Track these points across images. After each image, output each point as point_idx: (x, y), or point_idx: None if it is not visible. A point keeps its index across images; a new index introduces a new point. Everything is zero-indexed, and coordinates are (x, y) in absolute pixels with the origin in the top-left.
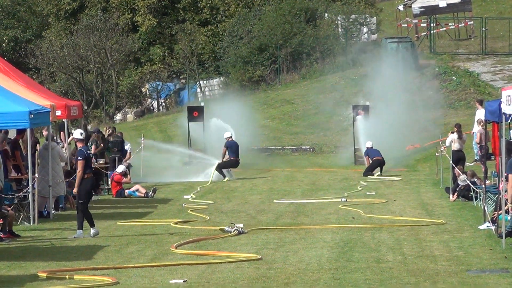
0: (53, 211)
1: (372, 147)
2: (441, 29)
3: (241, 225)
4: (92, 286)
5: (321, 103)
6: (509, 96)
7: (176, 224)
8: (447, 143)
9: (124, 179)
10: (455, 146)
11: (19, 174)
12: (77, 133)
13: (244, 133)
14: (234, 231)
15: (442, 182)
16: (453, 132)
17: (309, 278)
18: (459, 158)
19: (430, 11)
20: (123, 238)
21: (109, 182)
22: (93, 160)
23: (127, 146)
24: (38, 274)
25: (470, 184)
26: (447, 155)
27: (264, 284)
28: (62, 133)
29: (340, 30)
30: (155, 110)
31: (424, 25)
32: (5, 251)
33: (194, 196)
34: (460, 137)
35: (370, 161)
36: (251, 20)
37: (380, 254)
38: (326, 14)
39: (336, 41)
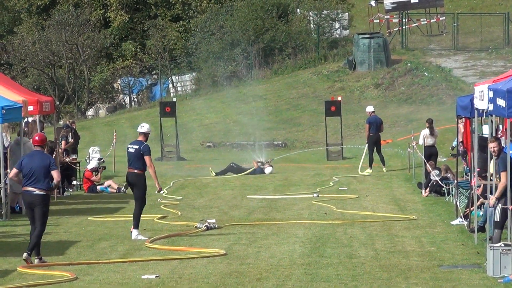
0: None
1: (373, 113)
2: (413, 25)
3: (213, 221)
4: (55, 282)
5: (293, 99)
6: (481, 91)
7: (159, 220)
8: (420, 141)
9: (93, 177)
10: (427, 141)
11: None
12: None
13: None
14: (204, 226)
15: (414, 178)
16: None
17: (281, 273)
18: (431, 153)
19: (402, 7)
20: (95, 233)
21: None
22: (65, 155)
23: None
24: (18, 269)
25: (439, 181)
26: (418, 151)
27: (236, 279)
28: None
29: (312, 25)
30: (127, 105)
31: (396, 20)
32: None
33: (166, 192)
34: (432, 133)
35: (370, 134)
36: (223, 15)
37: (352, 249)
38: (298, 10)
39: (308, 37)
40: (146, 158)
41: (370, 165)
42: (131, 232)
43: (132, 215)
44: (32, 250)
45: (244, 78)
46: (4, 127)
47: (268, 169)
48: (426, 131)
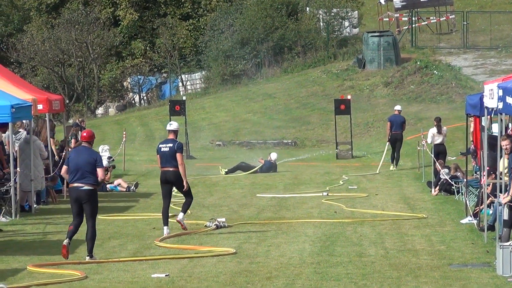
0: (35, 205)
1: (400, 112)
2: (423, 23)
3: (223, 219)
4: (65, 281)
5: (303, 97)
6: (491, 90)
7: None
8: (429, 139)
9: None
10: (435, 139)
11: (1, 168)
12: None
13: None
14: (213, 225)
15: (424, 176)
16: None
17: (291, 272)
18: (439, 151)
19: (411, 5)
20: (105, 232)
21: None
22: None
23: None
24: (28, 268)
25: (449, 180)
26: (427, 150)
27: (246, 278)
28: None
29: (321, 24)
30: (137, 104)
31: (406, 19)
32: None
33: (175, 190)
34: (439, 131)
35: (390, 132)
36: (233, 14)
37: (362, 248)
38: (307, 8)
39: (317, 35)
40: (178, 155)
41: (392, 162)
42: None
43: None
44: (94, 242)
45: (254, 76)
46: (19, 123)
47: (273, 155)
48: (433, 130)
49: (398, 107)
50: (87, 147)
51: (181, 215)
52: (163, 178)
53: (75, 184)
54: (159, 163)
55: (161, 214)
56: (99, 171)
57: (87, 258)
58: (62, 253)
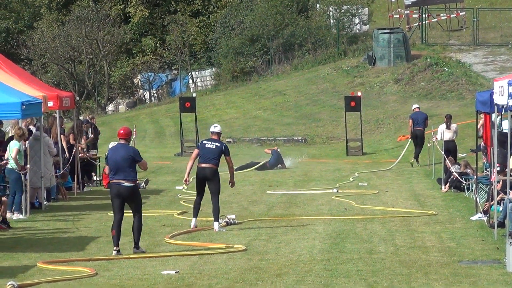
0: (45, 202)
1: (419, 109)
2: (433, 20)
3: (233, 216)
4: (75, 278)
5: (313, 94)
6: (501, 87)
7: (179, 215)
8: (438, 136)
9: None
10: (445, 136)
11: None
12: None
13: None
14: (223, 222)
15: (434, 173)
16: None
17: (301, 269)
18: (448, 148)
19: (421, 2)
20: None
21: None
22: (85, 150)
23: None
24: (38, 265)
25: (457, 176)
26: (437, 147)
27: (256, 275)
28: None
29: (331, 21)
30: (147, 101)
31: (416, 15)
32: None
33: (186, 187)
34: (448, 127)
35: (412, 128)
36: (243, 11)
37: (372, 245)
38: (317, 5)
39: (327, 32)
40: (228, 157)
41: (415, 158)
42: (213, 226)
43: (212, 211)
44: (140, 234)
45: (264, 73)
46: (29, 120)
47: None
48: (443, 126)
49: (416, 105)
50: (123, 144)
51: (216, 225)
52: (201, 175)
53: (115, 180)
54: (195, 158)
55: (171, 211)
56: (142, 165)
57: (134, 249)
58: None
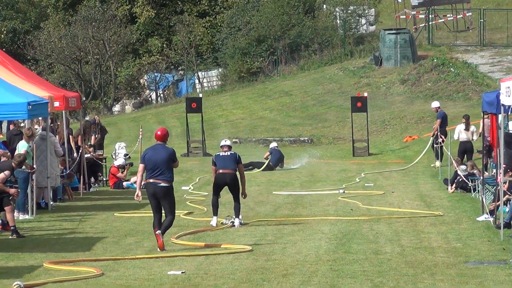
0: (51, 202)
1: (439, 108)
2: (440, 21)
3: (240, 216)
4: (81, 278)
5: (319, 95)
6: (508, 87)
7: (185, 216)
8: (455, 136)
9: (119, 174)
10: (462, 137)
11: None
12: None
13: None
14: (230, 223)
15: (441, 174)
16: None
17: (307, 269)
18: (465, 149)
19: (428, 2)
20: (121, 229)
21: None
22: (91, 151)
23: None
24: (44, 265)
25: (463, 178)
26: (444, 148)
27: (262, 275)
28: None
29: (338, 21)
30: (154, 101)
31: (423, 16)
32: (3, 242)
33: (192, 188)
34: (467, 128)
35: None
36: (250, 11)
37: (378, 245)
38: (324, 6)
39: (334, 33)
40: (241, 165)
41: (438, 158)
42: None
43: (233, 208)
44: (165, 232)
45: (270, 74)
46: (37, 120)
47: (272, 144)
48: (461, 126)
49: (436, 104)
50: (162, 145)
51: (237, 221)
52: (222, 181)
53: (152, 180)
54: (215, 168)
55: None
56: (176, 164)
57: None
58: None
